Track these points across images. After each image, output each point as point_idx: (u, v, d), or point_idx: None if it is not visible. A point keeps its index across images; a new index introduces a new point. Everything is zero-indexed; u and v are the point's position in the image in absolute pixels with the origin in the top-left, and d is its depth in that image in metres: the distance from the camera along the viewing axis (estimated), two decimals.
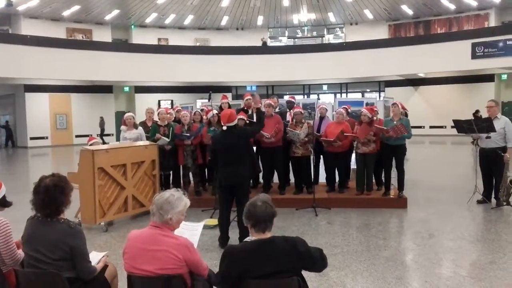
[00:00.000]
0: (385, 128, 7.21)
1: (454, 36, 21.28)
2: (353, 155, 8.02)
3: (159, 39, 27.70)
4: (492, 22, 24.09)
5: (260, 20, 27.80)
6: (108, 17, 25.40)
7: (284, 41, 29.30)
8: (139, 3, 24.15)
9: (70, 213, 4.39)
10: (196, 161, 7.82)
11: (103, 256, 3.21)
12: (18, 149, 22.98)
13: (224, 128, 5.42)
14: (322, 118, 8.11)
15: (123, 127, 7.87)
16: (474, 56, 19.76)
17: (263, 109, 7.53)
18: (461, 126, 7.44)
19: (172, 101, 24.98)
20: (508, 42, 19.11)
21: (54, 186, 2.87)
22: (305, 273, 2.74)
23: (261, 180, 8.15)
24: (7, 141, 24.44)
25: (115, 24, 26.61)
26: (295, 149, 7.61)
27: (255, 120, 7.74)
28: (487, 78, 22.67)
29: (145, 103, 20.12)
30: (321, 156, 8.19)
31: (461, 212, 7.05)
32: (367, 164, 7.52)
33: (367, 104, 9.13)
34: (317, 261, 2.69)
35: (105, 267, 3.15)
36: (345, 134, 7.35)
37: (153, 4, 24.27)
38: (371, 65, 21.08)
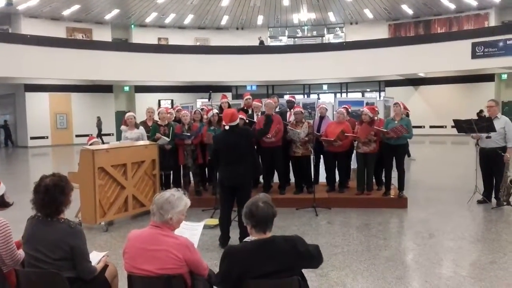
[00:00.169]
0: (385, 130, 7.21)
1: (454, 36, 21.28)
2: (354, 155, 8.01)
3: (159, 39, 27.70)
4: (492, 21, 24.09)
5: (260, 20, 27.79)
6: (108, 16, 25.40)
7: (284, 40, 29.30)
8: (139, 2, 24.14)
9: (70, 213, 4.39)
10: (197, 160, 7.81)
11: (104, 256, 3.21)
12: (18, 148, 22.97)
13: (227, 127, 5.41)
14: (322, 117, 8.10)
15: (123, 127, 7.87)
16: (474, 55, 19.76)
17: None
18: (461, 126, 7.44)
19: (172, 100, 24.98)
20: (508, 42, 19.11)
21: (54, 186, 2.87)
22: (305, 273, 2.75)
23: (261, 180, 8.15)
24: (6, 140, 24.45)
25: (115, 23, 26.61)
26: (295, 149, 7.61)
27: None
28: (487, 77, 22.68)
29: (145, 103, 20.12)
30: (321, 156, 8.18)
31: (462, 212, 7.05)
32: (367, 164, 7.52)
33: (367, 104, 9.13)
34: (314, 258, 2.70)
35: (105, 267, 3.15)
36: (345, 134, 7.35)
37: (153, 3, 24.26)
38: (371, 65, 21.08)
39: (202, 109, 8.59)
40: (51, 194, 2.84)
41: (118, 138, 20.86)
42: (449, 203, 7.67)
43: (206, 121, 8.02)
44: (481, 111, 17.78)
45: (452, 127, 7.82)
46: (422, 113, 22.86)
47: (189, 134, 7.62)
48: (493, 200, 7.29)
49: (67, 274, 2.79)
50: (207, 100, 8.31)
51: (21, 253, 3.02)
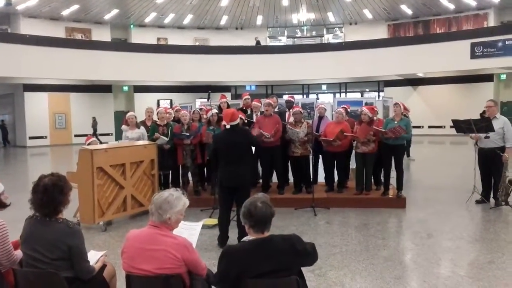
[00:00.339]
0: (383, 130, 7.22)
1: (453, 36, 21.29)
2: (352, 155, 8.02)
3: (158, 39, 27.68)
4: (491, 22, 24.11)
5: (259, 20, 27.79)
6: (107, 16, 25.39)
7: (283, 40, 29.30)
8: (138, 2, 24.13)
9: (69, 213, 4.39)
10: (195, 160, 7.82)
11: (102, 256, 3.21)
12: (17, 148, 22.95)
13: (227, 126, 5.41)
14: (321, 117, 8.11)
15: (124, 127, 7.88)
16: (473, 56, 19.77)
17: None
18: (459, 126, 7.45)
19: (171, 100, 24.96)
20: (507, 42, 19.13)
21: (53, 186, 2.87)
22: (303, 273, 2.75)
23: (260, 179, 8.16)
24: (4, 141, 24.46)
25: (114, 23, 26.59)
26: (294, 149, 7.61)
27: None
28: (486, 78, 22.69)
29: (144, 103, 20.11)
30: (320, 156, 8.18)
31: (460, 212, 7.06)
32: (366, 164, 7.52)
33: (366, 104, 9.13)
34: (310, 256, 2.71)
35: (103, 266, 3.15)
36: (344, 134, 7.35)
37: (152, 3, 24.26)
38: (370, 65, 21.09)
39: (200, 109, 8.60)
40: (49, 193, 2.84)
41: (117, 138, 20.90)
42: (447, 203, 7.68)
43: (205, 121, 8.02)
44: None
45: (451, 127, 7.82)
46: (421, 113, 22.85)
47: (188, 134, 7.62)
48: (492, 200, 7.30)
49: (65, 274, 2.79)
50: (206, 100, 8.32)
51: (17, 253, 3.02)
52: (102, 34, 25.81)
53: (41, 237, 2.82)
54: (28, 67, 18.85)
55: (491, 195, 7.34)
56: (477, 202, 7.43)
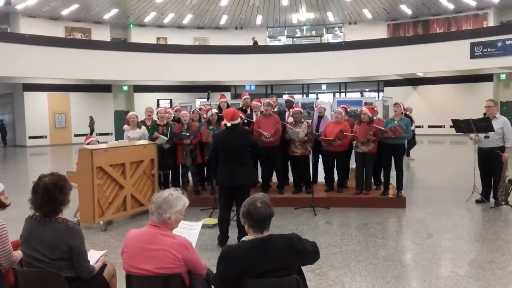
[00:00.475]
0: (383, 128, 7.22)
1: (453, 36, 21.29)
2: (352, 155, 8.02)
3: (158, 38, 27.67)
4: (491, 22, 24.10)
5: (259, 20, 27.78)
6: (107, 16, 25.37)
7: (283, 40, 29.27)
8: (138, 2, 24.12)
9: (69, 213, 4.38)
10: (195, 160, 7.82)
11: (102, 255, 3.21)
12: (16, 148, 22.94)
13: (228, 125, 5.41)
14: (320, 117, 8.10)
15: (126, 126, 7.88)
16: (472, 55, 19.77)
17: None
18: (459, 126, 7.46)
19: (171, 100, 24.96)
20: (506, 42, 19.13)
21: (53, 185, 2.87)
22: (303, 272, 2.75)
23: (259, 179, 8.16)
24: (3, 140, 24.46)
25: (114, 23, 26.58)
26: (294, 149, 7.60)
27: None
28: (486, 77, 22.70)
29: (144, 103, 20.10)
30: (320, 156, 8.18)
31: (460, 212, 7.06)
32: (366, 164, 7.52)
33: (365, 103, 9.13)
34: (311, 254, 2.70)
35: (103, 266, 3.15)
36: (344, 134, 7.35)
37: (152, 3, 24.25)
38: (370, 65, 21.09)
39: (200, 109, 8.60)
40: (50, 193, 2.84)
41: (117, 137, 20.91)
42: (447, 202, 7.68)
43: (205, 121, 8.01)
44: None
45: (451, 127, 7.83)
46: (420, 113, 22.76)
47: (188, 134, 7.62)
48: (491, 200, 7.30)
49: (65, 273, 2.79)
50: (205, 99, 8.31)
51: (16, 254, 3.01)
52: (102, 34, 25.79)
53: (41, 237, 2.82)
54: (28, 67, 18.84)
55: (491, 195, 7.34)
56: (477, 201, 7.43)
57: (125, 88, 25.87)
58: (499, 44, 19.27)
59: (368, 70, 21.67)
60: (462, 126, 7.39)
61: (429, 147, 20.10)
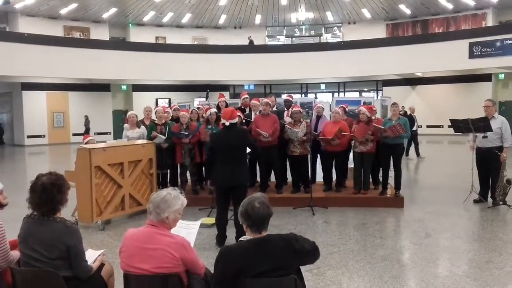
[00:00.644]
0: (382, 127, 7.22)
1: (452, 36, 21.31)
2: (351, 154, 8.02)
3: (156, 38, 27.63)
4: (490, 21, 24.11)
5: (258, 19, 27.77)
6: (105, 15, 25.33)
7: (282, 40, 29.27)
8: (137, 1, 24.09)
9: (67, 212, 4.38)
10: (194, 160, 7.81)
11: (100, 255, 3.21)
12: (15, 147, 22.91)
13: (227, 123, 5.40)
14: (319, 117, 8.11)
15: (126, 125, 7.88)
16: (471, 55, 19.78)
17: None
18: (458, 125, 7.46)
19: (169, 99, 24.93)
20: (505, 42, 19.14)
21: (51, 185, 2.87)
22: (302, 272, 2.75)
23: (258, 179, 8.16)
24: (1, 139, 24.42)
25: (112, 22, 26.54)
26: (293, 148, 7.60)
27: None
28: (485, 77, 22.70)
29: (142, 102, 20.07)
30: (318, 155, 8.19)
31: (458, 211, 7.07)
32: (364, 163, 7.53)
33: (364, 103, 9.14)
34: (310, 254, 2.70)
35: (101, 265, 3.15)
36: (343, 133, 7.36)
37: (151, 2, 24.22)
38: (369, 64, 21.09)
39: (198, 108, 8.60)
40: (48, 192, 2.84)
41: (116, 137, 20.88)
42: (445, 202, 7.69)
43: (204, 120, 8.01)
44: None
45: (449, 126, 7.84)
46: (419, 112, 22.75)
47: (186, 133, 7.61)
48: (489, 200, 7.32)
49: (63, 273, 2.78)
50: (204, 99, 8.31)
51: (14, 254, 3.01)
52: (101, 33, 25.75)
53: (39, 236, 2.82)
54: (26, 66, 18.81)
55: (489, 195, 7.36)
56: (475, 201, 7.44)
57: (124, 87, 25.83)
58: (498, 44, 19.29)
59: (367, 70, 21.68)
60: (460, 126, 7.40)
61: (428, 147, 20.08)
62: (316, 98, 21.89)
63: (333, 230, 6.19)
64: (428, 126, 23.89)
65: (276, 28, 29.70)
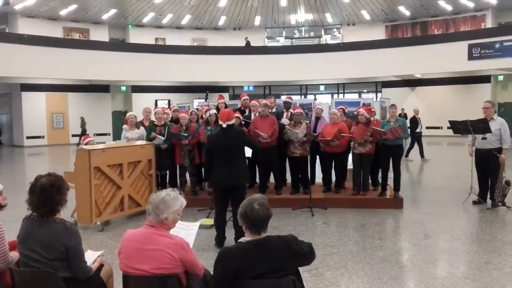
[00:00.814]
0: (382, 130, 7.23)
1: (451, 37, 21.33)
2: (350, 155, 8.03)
3: (156, 39, 27.66)
4: (489, 23, 24.15)
5: (257, 20, 27.80)
6: (105, 16, 25.35)
7: (281, 41, 29.30)
8: (136, 2, 24.09)
9: (66, 213, 4.38)
10: (193, 161, 7.82)
11: (99, 256, 3.21)
12: (14, 148, 22.89)
13: (224, 125, 5.40)
14: (318, 118, 8.12)
15: (125, 126, 7.88)
16: (470, 57, 19.82)
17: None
18: (456, 127, 7.47)
19: (169, 100, 24.93)
20: (504, 43, 19.17)
21: (50, 186, 2.87)
22: (300, 273, 2.75)
23: (257, 180, 8.16)
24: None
25: (112, 23, 26.56)
26: (293, 149, 7.60)
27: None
28: (484, 79, 22.71)
29: (142, 103, 20.03)
30: (317, 156, 8.19)
31: (457, 213, 7.08)
32: (363, 165, 7.53)
33: (363, 104, 9.15)
34: (307, 256, 2.71)
35: (100, 266, 3.15)
36: (342, 134, 7.36)
37: (151, 3, 24.22)
38: (368, 66, 21.12)
39: (197, 109, 8.60)
40: (47, 193, 2.84)
41: (115, 138, 20.86)
42: (444, 203, 7.70)
43: (203, 121, 8.01)
44: None
45: (448, 128, 7.85)
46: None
47: (186, 134, 7.62)
48: (488, 201, 7.32)
49: (62, 274, 2.78)
50: (204, 100, 8.32)
51: (12, 255, 3.00)
52: (100, 34, 25.76)
53: (38, 237, 2.82)
54: (26, 67, 18.81)
55: (488, 196, 7.37)
56: (474, 202, 7.45)
57: (123, 88, 25.84)
58: (497, 45, 19.32)
59: (366, 71, 21.70)
60: (459, 127, 7.41)
61: (427, 148, 20.04)
62: (315, 99, 21.87)
63: (332, 231, 6.20)
64: (427, 128, 23.78)
65: (276, 29, 29.73)
